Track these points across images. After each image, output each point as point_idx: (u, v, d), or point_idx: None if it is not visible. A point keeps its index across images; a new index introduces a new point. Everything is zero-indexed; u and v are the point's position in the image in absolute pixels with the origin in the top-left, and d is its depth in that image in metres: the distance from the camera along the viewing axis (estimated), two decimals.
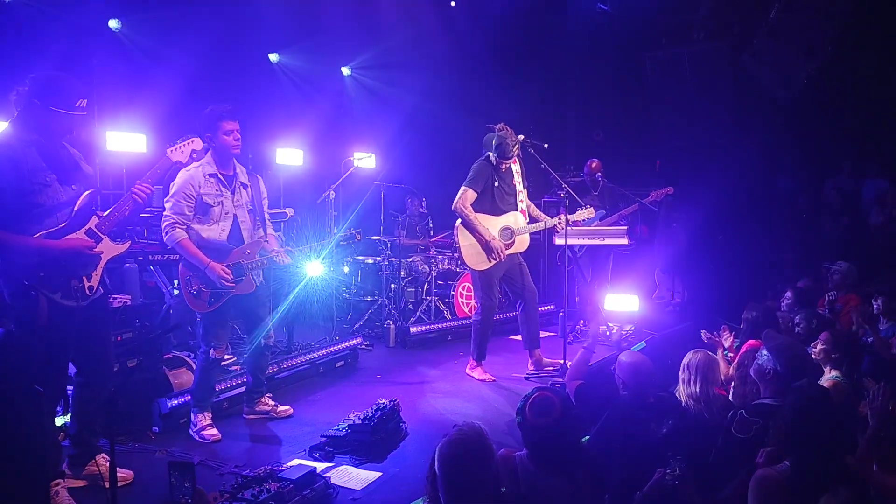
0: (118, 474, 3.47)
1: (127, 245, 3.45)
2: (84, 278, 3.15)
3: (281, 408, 4.64)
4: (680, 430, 3.17)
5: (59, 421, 3.62)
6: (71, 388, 3.58)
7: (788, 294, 5.59)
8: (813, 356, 3.76)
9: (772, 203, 9.18)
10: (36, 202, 3.03)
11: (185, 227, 4.12)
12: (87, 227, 3.18)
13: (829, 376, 3.73)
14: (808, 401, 2.57)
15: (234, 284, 4.15)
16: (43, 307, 3.02)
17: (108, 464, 3.44)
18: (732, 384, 4.11)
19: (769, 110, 8.91)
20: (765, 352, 3.42)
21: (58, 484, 3.18)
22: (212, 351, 4.22)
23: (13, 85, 3.13)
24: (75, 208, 3.18)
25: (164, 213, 4.14)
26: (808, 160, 9.20)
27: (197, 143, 3.90)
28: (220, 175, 4.21)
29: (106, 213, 3.31)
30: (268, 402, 4.63)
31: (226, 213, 4.23)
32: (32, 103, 3.06)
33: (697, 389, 3.46)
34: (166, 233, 4.10)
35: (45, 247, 3.01)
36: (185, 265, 4.17)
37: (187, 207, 4.11)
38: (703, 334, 4.90)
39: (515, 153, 5.39)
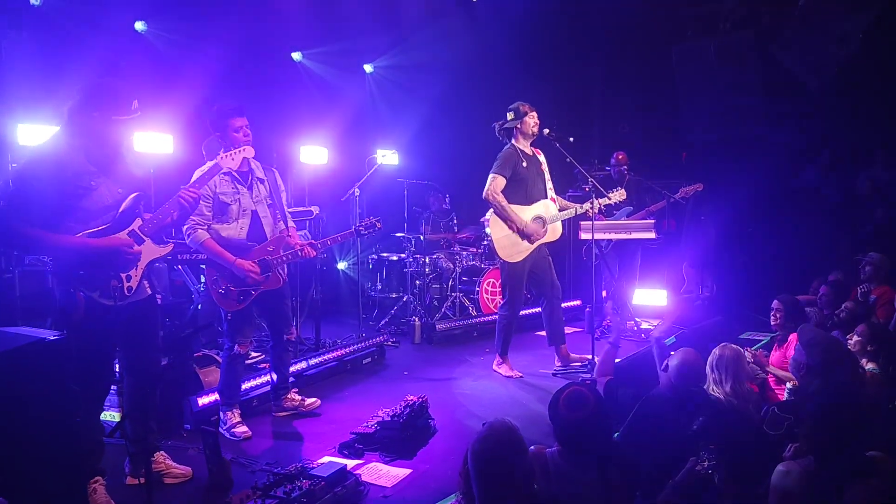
0: (177, 471, 3.57)
1: (169, 248, 3.47)
2: (124, 277, 3.18)
3: (308, 401, 4.66)
4: (712, 427, 3.13)
5: (112, 417, 3.67)
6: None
7: (823, 289, 5.47)
8: (849, 348, 3.69)
9: (802, 195, 9.00)
10: (79, 205, 3.07)
11: (206, 227, 4.10)
12: (129, 228, 3.22)
13: (865, 369, 3.66)
14: (828, 400, 2.53)
15: (262, 280, 4.17)
16: (80, 304, 3.06)
17: (166, 461, 3.50)
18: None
19: (798, 101, 8.72)
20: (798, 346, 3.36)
21: (96, 481, 3.21)
22: (236, 346, 4.24)
23: (42, 86, 3.15)
24: (120, 210, 3.21)
25: None
26: (839, 151, 9.00)
27: (249, 151, 3.92)
28: (234, 173, 4.13)
29: (150, 216, 3.33)
30: (295, 397, 4.66)
31: (244, 211, 4.19)
32: (83, 111, 3.10)
33: (729, 386, 3.39)
34: (188, 235, 4.07)
35: (85, 245, 3.05)
36: (212, 265, 4.18)
37: (206, 208, 4.08)
38: (748, 353, 4.47)
39: (531, 114, 5.35)
